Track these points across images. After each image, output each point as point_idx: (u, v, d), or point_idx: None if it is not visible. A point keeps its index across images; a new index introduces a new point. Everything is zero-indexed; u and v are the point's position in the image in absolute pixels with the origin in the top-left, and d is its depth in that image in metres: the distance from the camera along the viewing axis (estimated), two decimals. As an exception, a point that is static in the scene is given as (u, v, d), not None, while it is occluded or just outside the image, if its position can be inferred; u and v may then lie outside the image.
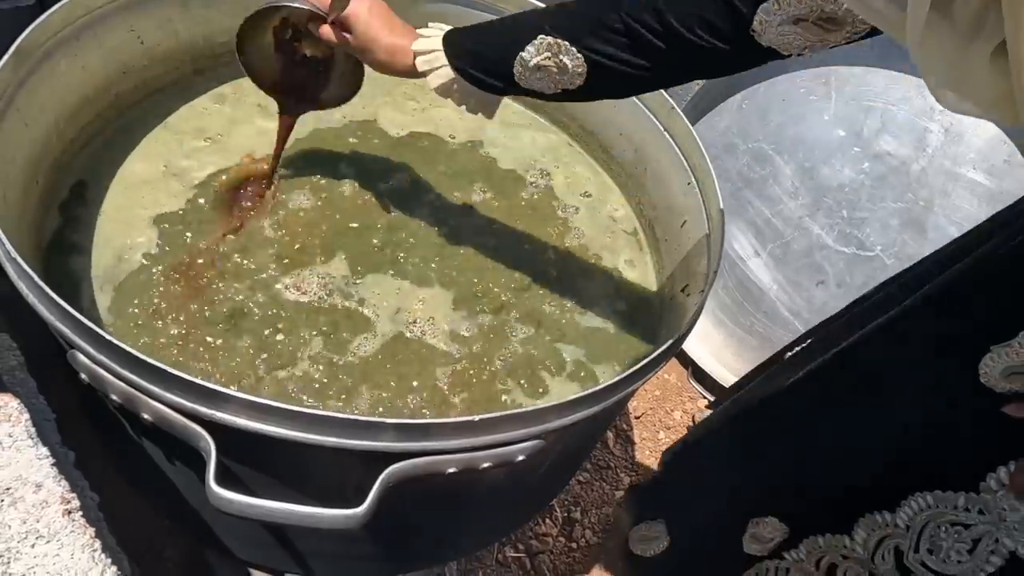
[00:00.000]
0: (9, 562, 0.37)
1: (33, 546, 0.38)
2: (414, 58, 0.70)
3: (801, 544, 0.87)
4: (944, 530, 0.73)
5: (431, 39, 0.70)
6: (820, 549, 0.85)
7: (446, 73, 0.69)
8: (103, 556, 0.39)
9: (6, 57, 0.67)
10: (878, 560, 0.80)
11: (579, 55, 0.62)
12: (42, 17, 0.72)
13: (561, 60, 0.63)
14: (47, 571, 0.37)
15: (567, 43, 0.62)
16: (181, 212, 0.83)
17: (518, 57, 0.65)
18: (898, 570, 0.77)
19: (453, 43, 0.69)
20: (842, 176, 1.31)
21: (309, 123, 0.97)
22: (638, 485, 1.24)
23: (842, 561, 0.83)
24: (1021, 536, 0.68)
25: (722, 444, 1.02)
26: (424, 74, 0.71)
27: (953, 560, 0.72)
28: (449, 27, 0.71)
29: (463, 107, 0.72)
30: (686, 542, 1.08)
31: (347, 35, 0.73)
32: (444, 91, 0.71)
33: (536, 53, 0.63)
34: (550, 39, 0.62)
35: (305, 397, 0.71)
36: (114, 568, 0.39)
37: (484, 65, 0.68)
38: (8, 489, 0.40)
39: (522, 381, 0.79)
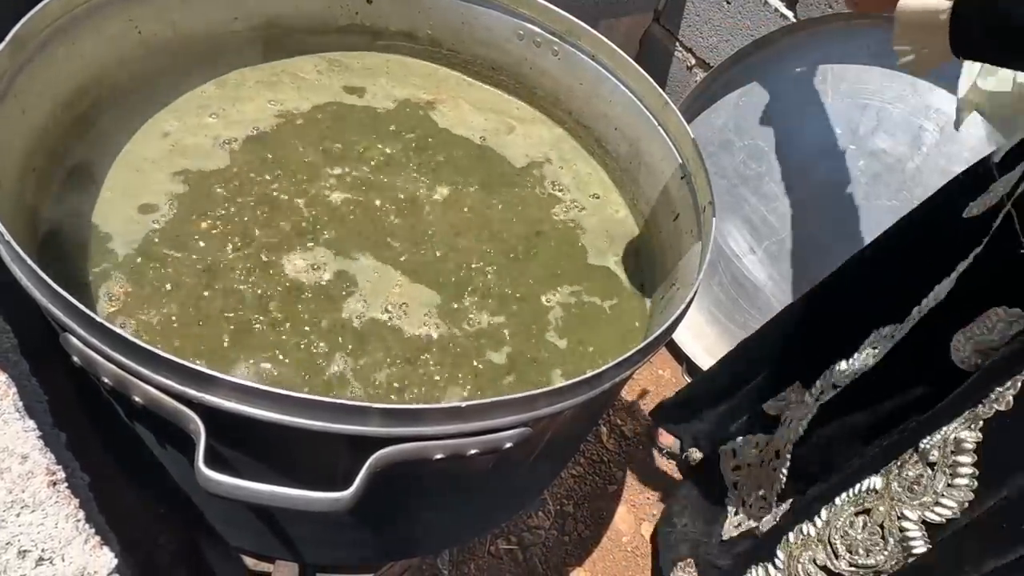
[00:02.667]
0: (-7, 530, 0.38)
1: (18, 515, 0.39)
2: None
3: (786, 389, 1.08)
4: (850, 524, 0.78)
5: None
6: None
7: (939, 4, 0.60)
8: (87, 526, 0.40)
9: (3, 44, 0.68)
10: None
11: None
12: (40, 4, 0.73)
13: None
14: (32, 539, 0.38)
15: None
16: (191, 188, 0.84)
17: None
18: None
19: None
20: (837, 174, 1.32)
21: (310, 100, 0.98)
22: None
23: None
24: (913, 499, 0.72)
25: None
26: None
27: (876, 552, 0.75)
28: None
29: (908, 51, 0.65)
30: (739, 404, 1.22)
31: None
32: (911, 20, 0.62)
33: None
34: None
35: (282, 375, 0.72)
36: (98, 538, 0.40)
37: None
38: (-7, 460, 0.41)
39: (513, 372, 0.80)
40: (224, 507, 0.73)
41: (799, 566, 0.83)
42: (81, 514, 0.40)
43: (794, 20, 1.41)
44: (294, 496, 0.54)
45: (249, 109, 0.96)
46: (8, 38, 0.68)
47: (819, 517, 0.83)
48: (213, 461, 0.53)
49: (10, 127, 0.70)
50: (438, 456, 0.58)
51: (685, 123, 0.90)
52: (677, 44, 1.67)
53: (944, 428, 0.71)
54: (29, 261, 0.54)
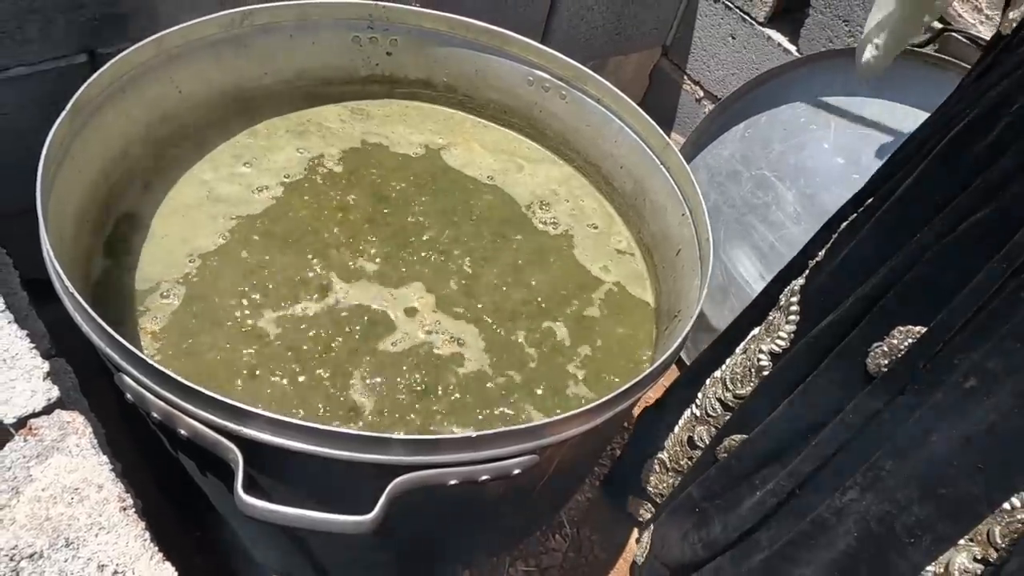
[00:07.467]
0: (78, 548, 0.46)
1: (97, 536, 0.46)
2: None
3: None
4: (736, 363, 1.00)
5: None
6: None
7: None
8: (151, 545, 0.47)
9: (64, 113, 0.76)
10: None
11: None
12: (95, 75, 0.81)
13: None
14: (108, 556, 0.46)
15: None
16: (227, 233, 0.92)
17: None
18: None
19: None
20: (842, 202, 1.35)
21: (335, 147, 1.06)
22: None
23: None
24: (767, 336, 0.91)
25: None
26: None
27: (746, 383, 0.96)
28: None
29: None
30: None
31: None
32: None
33: None
34: None
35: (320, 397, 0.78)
36: (160, 555, 0.47)
37: None
38: (77, 490, 0.49)
39: (521, 399, 0.85)
40: (257, 529, 0.79)
41: (708, 401, 1.04)
42: (147, 535, 0.47)
43: (797, 55, 1.46)
44: (322, 519, 0.60)
45: (279, 158, 1.04)
46: (67, 108, 0.76)
47: (725, 364, 1.03)
48: (250, 487, 0.60)
49: (69, 187, 0.78)
50: (452, 482, 0.64)
51: (685, 164, 0.96)
52: (685, 77, 1.73)
53: (793, 282, 0.92)
54: (92, 312, 0.61)
